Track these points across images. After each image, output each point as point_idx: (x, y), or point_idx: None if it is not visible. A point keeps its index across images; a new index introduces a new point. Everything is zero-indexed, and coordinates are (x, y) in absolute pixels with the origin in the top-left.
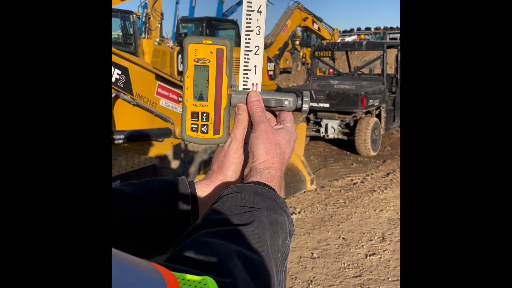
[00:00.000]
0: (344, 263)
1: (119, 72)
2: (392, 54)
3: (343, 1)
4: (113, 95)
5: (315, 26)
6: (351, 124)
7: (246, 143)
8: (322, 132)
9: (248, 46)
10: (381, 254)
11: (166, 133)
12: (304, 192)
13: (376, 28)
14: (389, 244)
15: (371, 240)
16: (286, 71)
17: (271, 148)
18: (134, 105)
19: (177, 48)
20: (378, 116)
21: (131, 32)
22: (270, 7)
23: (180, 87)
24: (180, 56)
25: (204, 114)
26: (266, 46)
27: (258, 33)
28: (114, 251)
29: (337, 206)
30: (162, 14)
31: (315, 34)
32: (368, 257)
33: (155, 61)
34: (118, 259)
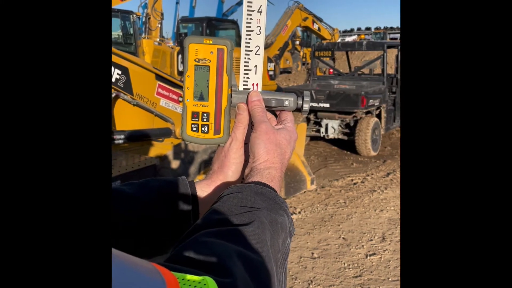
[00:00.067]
0: (344, 263)
1: (119, 72)
2: (392, 54)
3: (343, 1)
4: (113, 95)
5: (315, 26)
6: (351, 124)
7: (247, 143)
8: (322, 132)
9: (249, 46)
10: (381, 254)
11: (166, 133)
12: (304, 192)
13: (376, 28)
14: (389, 244)
15: (371, 240)
16: (286, 71)
17: (271, 148)
18: (134, 105)
19: (177, 48)
20: (379, 116)
21: (131, 32)
22: (270, 7)
23: (180, 87)
24: (180, 56)
25: (205, 114)
26: (266, 46)
27: (258, 33)
28: (114, 251)
29: (337, 206)
30: (162, 14)
31: (315, 34)
32: (368, 257)
33: (155, 61)
34: (118, 259)
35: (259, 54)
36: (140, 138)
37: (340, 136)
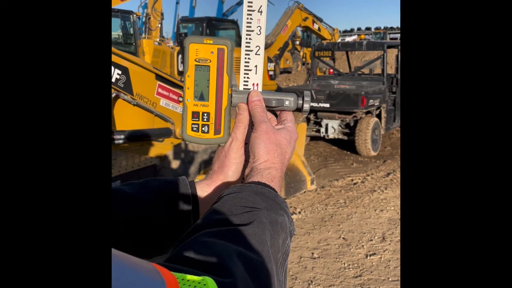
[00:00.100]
0: (344, 263)
1: (119, 72)
2: (392, 54)
3: (343, 1)
4: (113, 95)
5: (315, 26)
6: (352, 124)
7: (247, 143)
8: (323, 132)
9: (249, 46)
10: (382, 254)
11: (166, 133)
12: (305, 192)
13: (377, 28)
14: (390, 244)
15: (371, 240)
16: (286, 71)
17: (272, 148)
18: (134, 105)
19: (177, 48)
20: (379, 116)
21: (131, 32)
22: (270, 7)
23: (180, 87)
24: (180, 56)
25: (205, 114)
26: (267, 46)
27: (259, 33)
28: (114, 251)
29: (338, 206)
30: (162, 14)
31: (315, 34)
32: (368, 257)
33: (155, 61)
34: (118, 259)
35: (259, 54)
36: (140, 138)
37: (340, 136)
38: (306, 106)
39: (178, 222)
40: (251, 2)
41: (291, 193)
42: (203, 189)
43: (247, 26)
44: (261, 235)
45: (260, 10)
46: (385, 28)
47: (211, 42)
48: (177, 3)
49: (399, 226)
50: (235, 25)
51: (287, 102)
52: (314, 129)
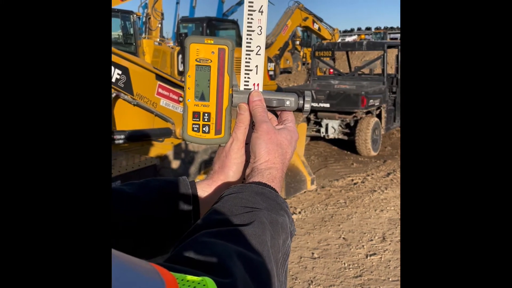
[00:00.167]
0: (344, 263)
1: (120, 72)
2: (392, 54)
3: (343, 1)
4: (113, 95)
5: (316, 26)
6: (352, 124)
7: (248, 143)
8: (323, 132)
9: (250, 46)
10: (382, 254)
11: (166, 133)
12: (305, 192)
13: (377, 28)
14: (390, 244)
15: (371, 240)
16: (286, 71)
17: (272, 148)
18: (134, 105)
19: (178, 48)
20: (379, 116)
21: (132, 32)
22: (270, 7)
23: (180, 87)
24: (180, 56)
25: (206, 114)
26: (267, 46)
27: (259, 33)
28: (114, 251)
29: (338, 206)
30: (162, 14)
31: (316, 34)
32: (368, 257)
33: (155, 61)
34: (118, 259)
35: (260, 54)
36: (140, 138)
37: (340, 136)
38: (307, 106)
39: (178, 222)
40: (252, 2)
41: (291, 193)
42: (204, 189)
43: (248, 26)
44: (261, 236)
45: (261, 10)
46: (385, 28)
47: (212, 42)
48: (177, 3)
49: (399, 226)
50: (235, 25)
51: (288, 102)
52: (314, 129)
